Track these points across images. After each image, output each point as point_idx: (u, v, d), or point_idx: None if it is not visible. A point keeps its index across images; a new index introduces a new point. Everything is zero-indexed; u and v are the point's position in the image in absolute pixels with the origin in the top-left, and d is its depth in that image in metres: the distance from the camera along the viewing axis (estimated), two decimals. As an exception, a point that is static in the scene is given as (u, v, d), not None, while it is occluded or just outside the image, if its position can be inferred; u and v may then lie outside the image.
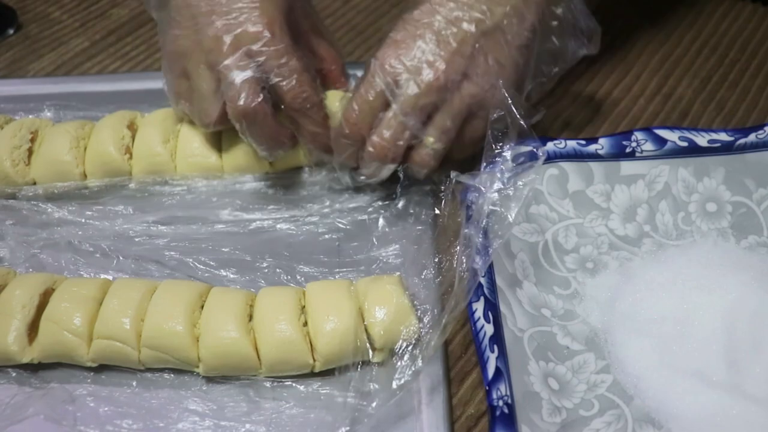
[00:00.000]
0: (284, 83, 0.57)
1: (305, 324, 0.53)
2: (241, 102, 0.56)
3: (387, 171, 0.59)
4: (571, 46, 0.62)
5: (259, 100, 0.56)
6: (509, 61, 0.57)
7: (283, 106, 0.58)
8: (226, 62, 0.56)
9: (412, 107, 0.56)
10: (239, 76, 0.56)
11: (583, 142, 0.60)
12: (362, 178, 0.61)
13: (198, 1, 0.58)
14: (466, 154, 0.59)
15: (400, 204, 0.62)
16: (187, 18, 0.59)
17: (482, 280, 0.51)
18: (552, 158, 0.59)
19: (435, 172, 0.60)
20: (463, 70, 0.56)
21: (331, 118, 0.60)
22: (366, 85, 0.57)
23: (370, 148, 0.58)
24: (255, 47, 0.56)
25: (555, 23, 0.60)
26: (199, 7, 0.58)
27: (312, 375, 0.53)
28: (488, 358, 0.48)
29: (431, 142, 0.57)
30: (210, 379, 0.54)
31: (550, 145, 0.59)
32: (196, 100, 0.61)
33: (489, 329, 0.49)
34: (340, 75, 0.66)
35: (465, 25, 0.56)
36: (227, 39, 0.57)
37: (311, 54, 0.64)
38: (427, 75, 0.55)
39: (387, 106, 0.57)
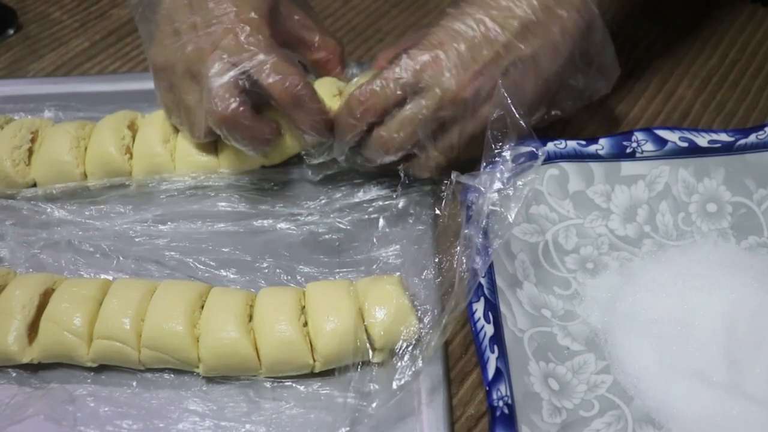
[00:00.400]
0: (266, 80, 0.56)
1: (305, 324, 0.53)
2: (218, 109, 0.56)
3: (387, 158, 0.59)
4: (591, 84, 0.62)
5: (234, 105, 0.56)
6: (535, 94, 0.57)
7: (273, 102, 0.58)
8: (204, 71, 0.56)
9: (429, 116, 0.56)
10: (216, 83, 0.56)
11: (584, 142, 0.60)
12: (364, 161, 0.60)
13: (179, 16, 0.58)
14: (467, 157, 0.59)
15: (400, 204, 0.62)
16: (169, 34, 0.59)
17: (482, 281, 0.51)
18: (552, 158, 0.59)
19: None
20: (488, 90, 0.56)
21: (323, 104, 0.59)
22: (390, 73, 0.56)
23: (377, 139, 0.57)
24: (231, 51, 0.56)
25: (582, 62, 0.60)
26: (181, 21, 0.58)
27: (312, 375, 0.53)
28: (488, 358, 0.48)
29: (436, 156, 0.58)
30: (210, 380, 0.54)
31: (550, 146, 0.59)
32: (184, 114, 0.61)
33: (489, 329, 0.49)
34: (337, 64, 0.66)
35: (501, 49, 0.56)
36: (207, 48, 0.57)
37: (305, 47, 0.64)
38: (453, 88, 0.55)
39: (402, 102, 0.56)
